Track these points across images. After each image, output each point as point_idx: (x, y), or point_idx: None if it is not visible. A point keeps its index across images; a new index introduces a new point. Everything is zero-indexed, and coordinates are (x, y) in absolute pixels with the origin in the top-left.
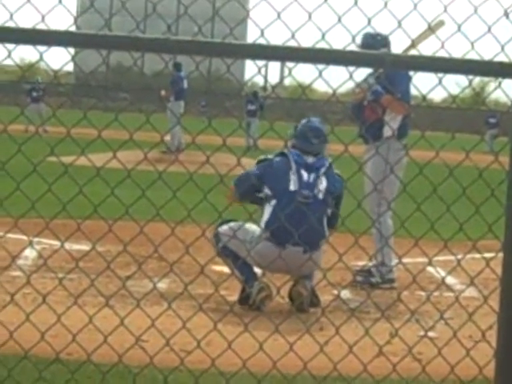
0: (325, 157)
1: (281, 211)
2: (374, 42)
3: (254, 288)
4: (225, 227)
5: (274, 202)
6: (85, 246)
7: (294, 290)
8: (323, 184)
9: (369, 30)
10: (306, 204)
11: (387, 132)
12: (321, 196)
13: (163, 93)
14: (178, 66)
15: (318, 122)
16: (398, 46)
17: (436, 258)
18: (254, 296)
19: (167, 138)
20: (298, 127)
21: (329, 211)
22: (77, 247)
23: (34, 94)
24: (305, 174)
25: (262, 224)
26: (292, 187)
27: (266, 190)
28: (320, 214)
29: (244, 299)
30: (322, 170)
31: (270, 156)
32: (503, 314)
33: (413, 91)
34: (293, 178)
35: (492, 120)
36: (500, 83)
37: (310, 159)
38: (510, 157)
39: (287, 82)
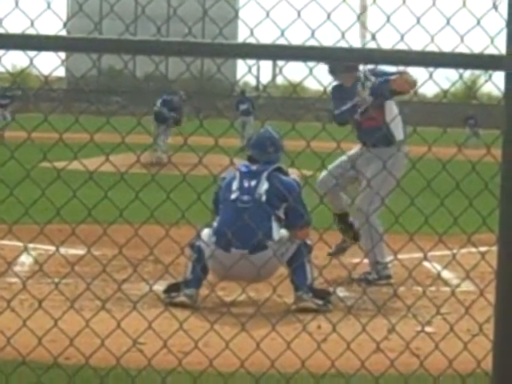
0: (278, 164)
1: (222, 218)
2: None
3: (187, 291)
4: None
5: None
6: (80, 251)
7: (298, 308)
8: (264, 186)
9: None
10: (246, 208)
11: (399, 136)
12: (263, 198)
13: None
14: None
15: (272, 131)
16: (387, 42)
17: (432, 253)
18: (178, 295)
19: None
20: (252, 138)
21: (279, 212)
22: (72, 252)
23: (2, 101)
24: (246, 182)
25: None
26: (233, 196)
27: (220, 206)
28: (264, 215)
29: (169, 289)
30: (265, 174)
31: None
32: (499, 306)
33: None
34: (235, 187)
35: (471, 121)
36: (490, 76)
37: (256, 167)
38: (503, 149)
39: (279, 80)
